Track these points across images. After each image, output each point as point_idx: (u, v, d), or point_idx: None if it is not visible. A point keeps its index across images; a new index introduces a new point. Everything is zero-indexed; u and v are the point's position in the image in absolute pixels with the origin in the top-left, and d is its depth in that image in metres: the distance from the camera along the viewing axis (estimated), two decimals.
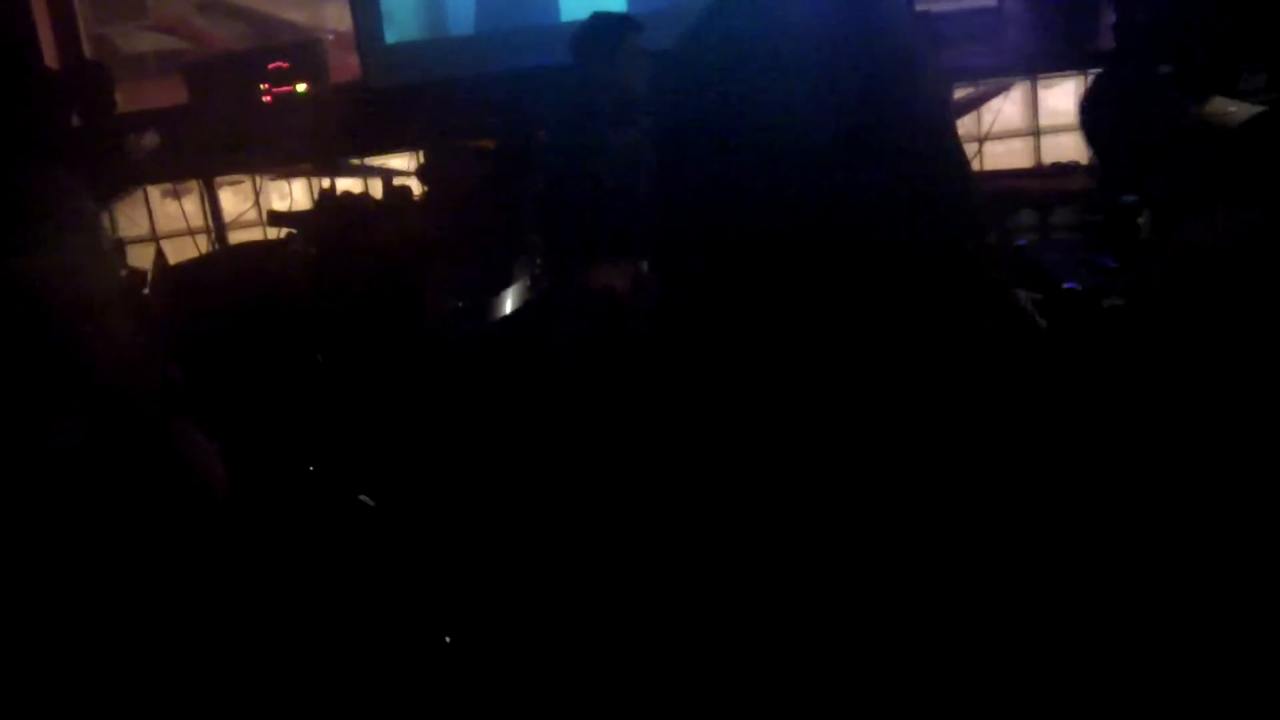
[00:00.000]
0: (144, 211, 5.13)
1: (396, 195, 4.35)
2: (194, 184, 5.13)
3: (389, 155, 4.71)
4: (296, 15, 7.48)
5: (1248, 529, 0.93)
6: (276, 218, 4.04)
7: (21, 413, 1.37)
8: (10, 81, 4.32)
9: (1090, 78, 5.27)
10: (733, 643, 0.88)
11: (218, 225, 4.91)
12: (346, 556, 2.70)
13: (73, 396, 1.41)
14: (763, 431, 0.89)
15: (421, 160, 4.60)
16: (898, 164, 0.90)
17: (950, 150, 0.95)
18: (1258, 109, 2.17)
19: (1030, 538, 0.88)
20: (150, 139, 4.90)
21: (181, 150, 4.79)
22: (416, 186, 4.36)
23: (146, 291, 3.15)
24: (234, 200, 5.16)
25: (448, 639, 2.48)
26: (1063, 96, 5.39)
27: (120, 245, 4.38)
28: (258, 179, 5.11)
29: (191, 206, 5.05)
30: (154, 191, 5.17)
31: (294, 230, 3.72)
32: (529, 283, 3.16)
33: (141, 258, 4.23)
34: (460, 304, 3.10)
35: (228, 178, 5.14)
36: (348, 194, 4.13)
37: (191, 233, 4.82)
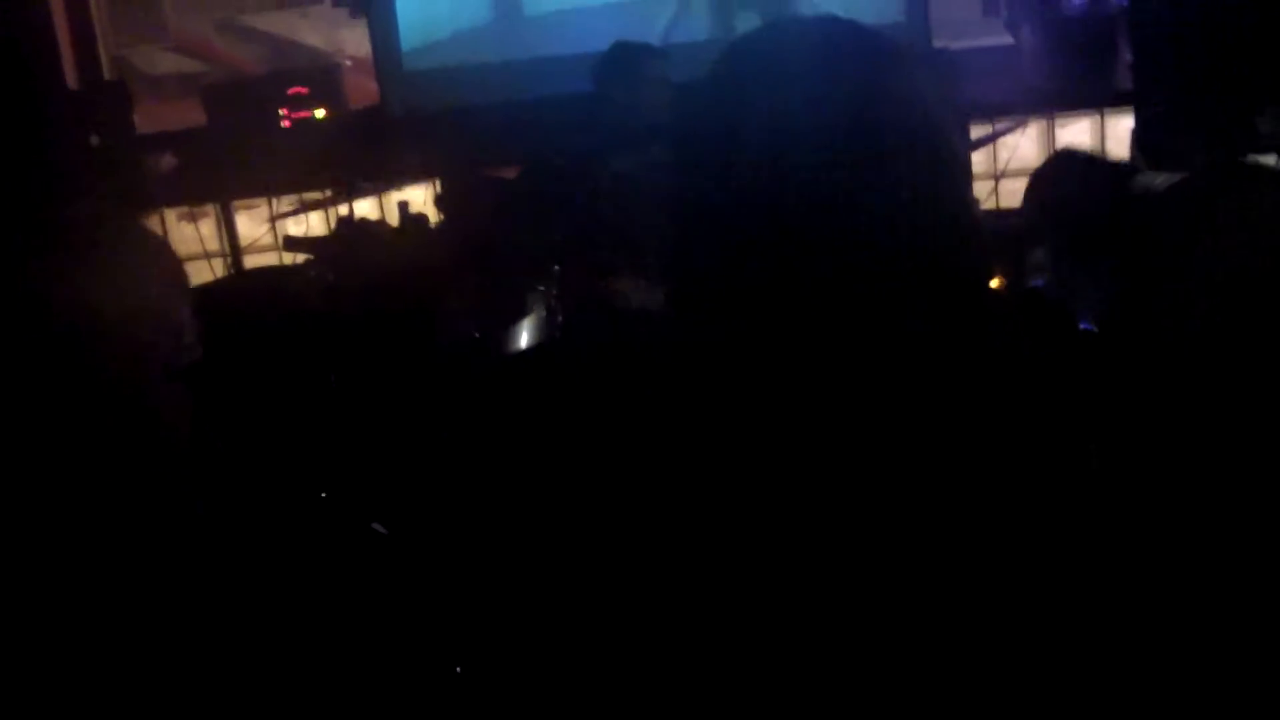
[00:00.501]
0: (160, 232, 5.14)
1: (412, 222, 4.36)
2: (210, 207, 5.16)
3: (406, 182, 4.72)
4: (315, 39, 7.53)
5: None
6: (292, 243, 4.04)
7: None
8: (32, 101, 4.34)
9: (1105, 116, 5.30)
10: (743, 647, 0.89)
11: (233, 249, 4.93)
12: (356, 580, 2.70)
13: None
14: (774, 452, 0.90)
15: (438, 188, 4.62)
16: (914, 193, 0.92)
17: (960, 188, 0.97)
18: (1177, 177, 2.18)
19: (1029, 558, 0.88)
20: (168, 161, 4.93)
21: (198, 173, 4.82)
22: (433, 214, 4.37)
23: None
24: (250, 224, 5.17)
25: (458, 668, 2.47)
26: (1079, 134, 5.40)
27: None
28: (274, 203, 5.13)
29: (207, 230, 5.07)
30: (170, 214, 5.19)
31: (310, 255, 3.72)
32: (545, 312, 3.16)
33: None
34: (476, 333, 3.10)
35: (244, 201, 5.16)
36: (365, 220, 4.14)
37: (207, 256, 4.84)
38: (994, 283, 0.99)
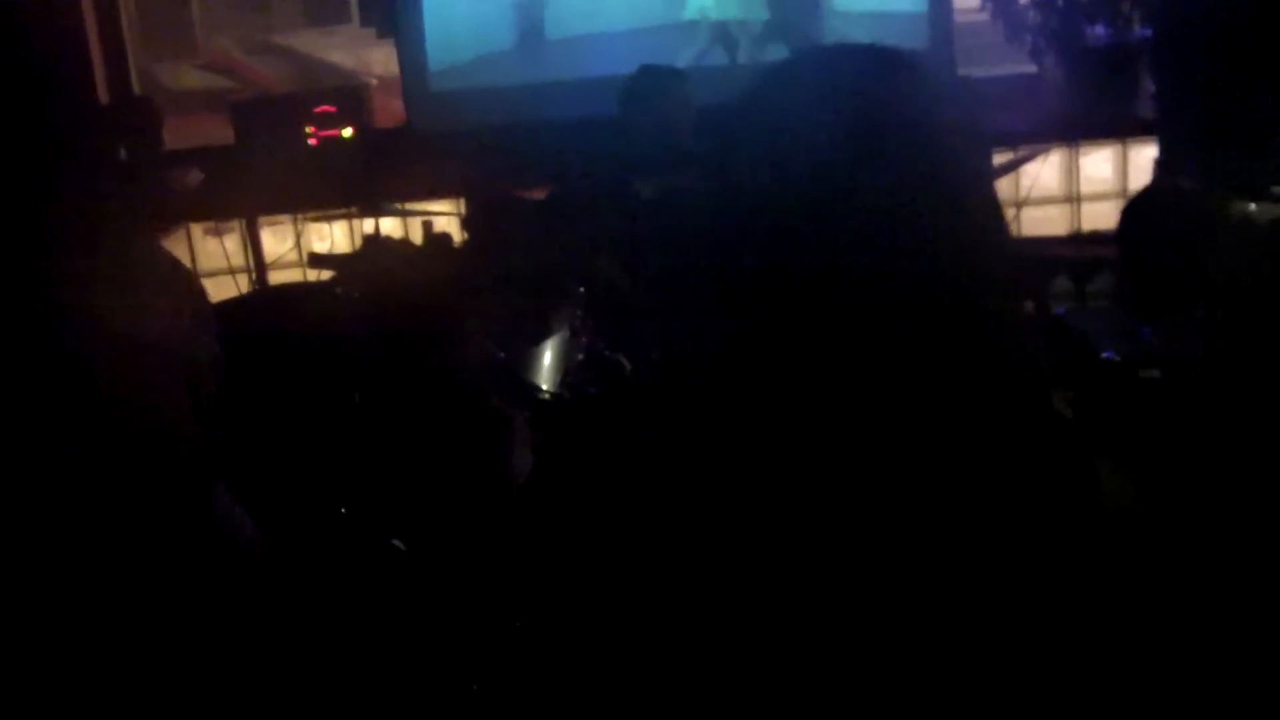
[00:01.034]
0: (185, 249, 5.18)
1: (437, 241, 4.39)
2: (235, 223, 5.19)
3: (431, 201, 4.75)
4: (341, 58, 7.59)
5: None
6: (317, 259, 4.07)
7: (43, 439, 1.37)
8: (66, 114, 4.38)
9: (1129, 146, 5.30)
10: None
11: (258, 265, 4.96)
12: (377, 598, 2.71)
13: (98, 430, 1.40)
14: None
15: (464, 207, 4.64)
16: (948, 220, 0.93)
17: (992, 212, 0.98)
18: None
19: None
20: (194, 176, 4.96)
21: (225, 189, 4.85)
22: (457, 233, 4.39)
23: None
24: (274, 240, 5.21)
25: (475, 687, 2.48)
26: (1101, 163, 5.39)
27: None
28: (299, 219, 5.16)
29: (232, 245, 5.10)
30: (196, 229, 5.23)
31: (335, 272, 3.75)
32: (569, 333, 3.17)
33: None
34: (501, 354, 3.11)
35: (269, 217, 5.20)
36: (389, 238, 4.17)
37: (232, 272, 4.87)
38: (1021, 308, 0.99)
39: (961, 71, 5.29)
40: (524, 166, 4.62)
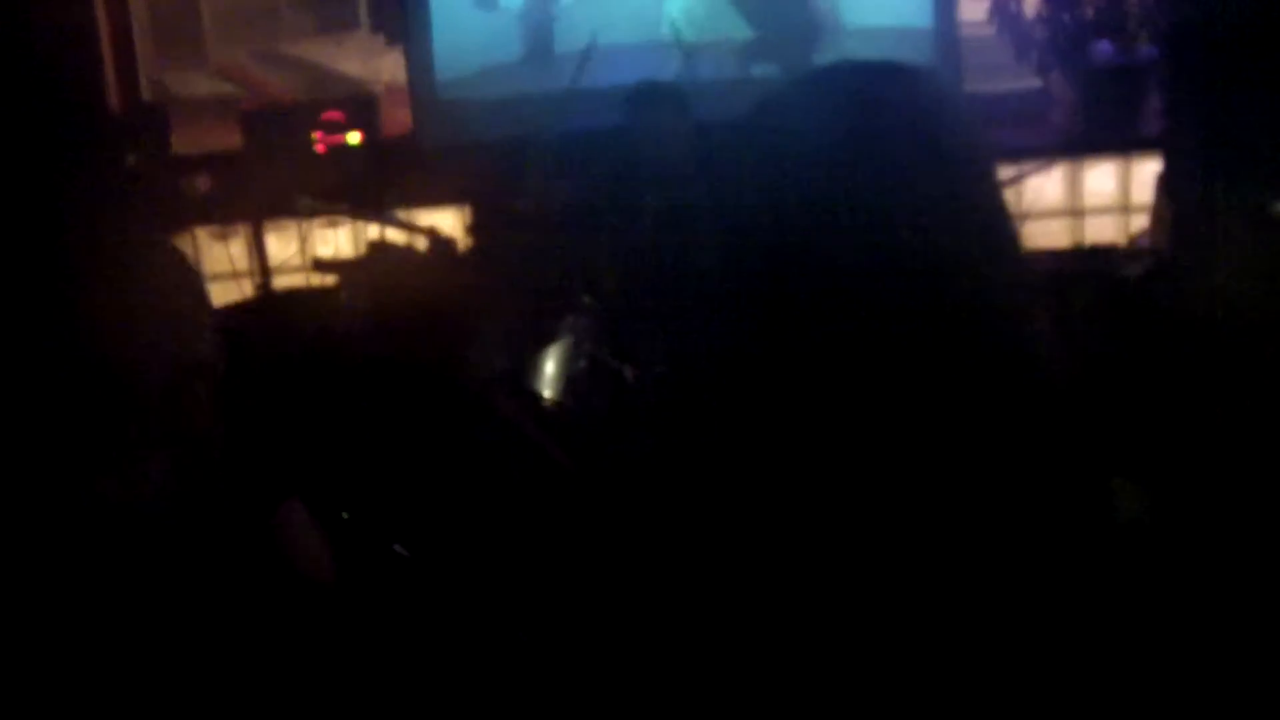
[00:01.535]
0: (191, 253, 5.20)
1: (441, 250, 4.40)
2: (241, 227, 5.21)
3: (435, 210, 4.77)
4: (349, 67, 7.60)
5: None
6: (322, 265, 4.09)
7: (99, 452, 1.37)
8: (77, 121, 4.42)
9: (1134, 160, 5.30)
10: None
11: (263, 269, 4.98)
12: (380, 605, 2.71)
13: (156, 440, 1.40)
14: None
15: (469, 215, 4.66)
16: (961, 238, 0.93)
17: (1006, 226, 0.99)
18: None
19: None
20: (203, 182, 4.99)
21: (234, 195, 4.87)
22: (462, 241, 4.41)
23: None
24: (279, 245, 5.23)
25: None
26: (1104, 178, 5.40)
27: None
28: (304, 225, 5.18)
29: (238, 249, 5.12)
30: (202, 233, 5.25)
31: (339, 277, 3.77)
32: (572, 342, 3.19)
33: None
34: (504, 361, 3.13)
35: (274, 222, 5.22)
36: (395, 245, 4.19)
37: (237, 276, 4.89)
38: (1035, 320, 1.00)
39: (968, 87, 5.30)
40: (530, 177, 4.64)
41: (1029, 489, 0.90)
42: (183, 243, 5.04)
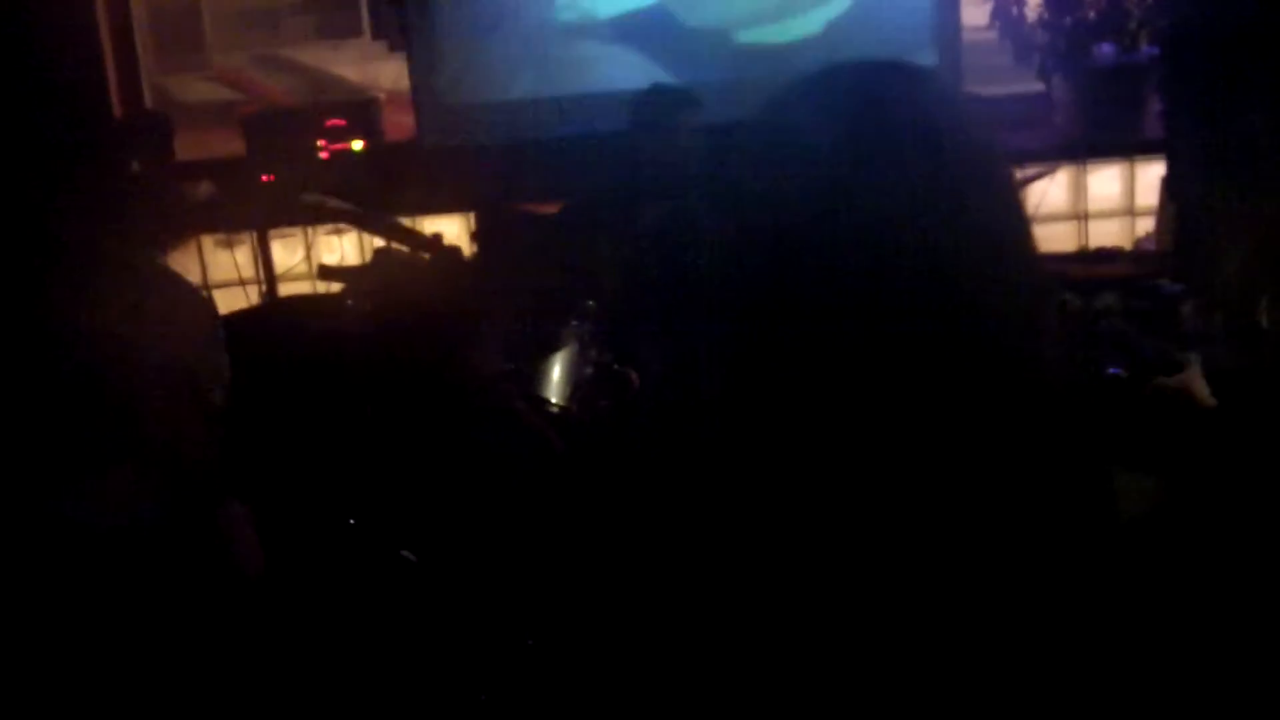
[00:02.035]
0: (196, 261, 5.21)
1: (446, 255, 4.40)
2: (246, 235, 5.21)
3: (440, 215, 4.77)
4: (350, 72, 7.61)
5: None
6: (327, 272, 4.09)
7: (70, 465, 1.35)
8: (80, 127, 4.43)
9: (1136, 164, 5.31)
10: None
11: (269, 277, 4.98)
12: (387, 611, 2.71)
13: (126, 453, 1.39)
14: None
15: (474, 221, 4.66)
16: (973, 237, 0.93)
17: (1020, 224, 0.99)
18: None
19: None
20: (206, 188, 4.99)
21: (236, 201, 4.87)
22: (466, 248, 4.41)
23: None
24: (285, 252, 5.23)
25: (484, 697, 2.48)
26: (1108, 181, 5.40)
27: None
28: (309, 232, 5.19)
29: (243, 257, 5.12)
30: (207, 241, 5.25)
31: (345, 284, 3.76)
32: (578, 347, 3.19)
33: None
34: (511, 366, 3.13)
35: (279, 230, 5.22)
36: (400, 251, 4.18)
37: (243, 283, 4.89)
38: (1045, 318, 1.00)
39: (970, 90, 5.30)
40: (535, 180, 4.65)
41: (1032, 487, 0.90)
42: (186, 249, 5.05)
